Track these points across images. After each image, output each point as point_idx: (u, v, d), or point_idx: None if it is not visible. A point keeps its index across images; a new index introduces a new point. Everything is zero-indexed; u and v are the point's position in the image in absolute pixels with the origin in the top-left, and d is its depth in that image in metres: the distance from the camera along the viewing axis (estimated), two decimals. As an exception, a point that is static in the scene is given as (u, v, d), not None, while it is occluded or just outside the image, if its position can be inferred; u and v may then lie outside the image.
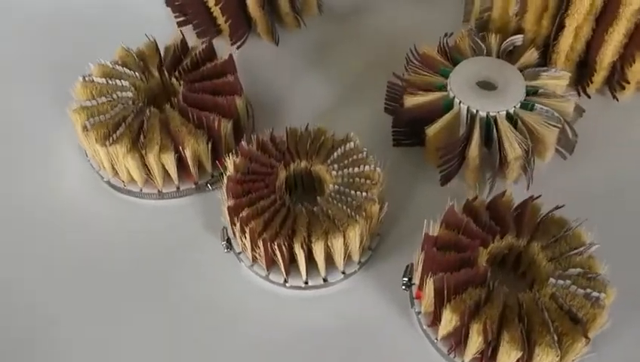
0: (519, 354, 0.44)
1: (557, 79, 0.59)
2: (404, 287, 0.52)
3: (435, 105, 0.58)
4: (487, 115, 0.56)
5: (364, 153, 0.54)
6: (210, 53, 0.62)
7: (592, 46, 0.62)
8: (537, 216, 0.51)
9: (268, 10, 0.68)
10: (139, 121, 0.57)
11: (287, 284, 0.53)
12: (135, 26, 0.65)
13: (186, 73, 0.60)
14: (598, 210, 0.54)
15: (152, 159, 0.55)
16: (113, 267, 0.55)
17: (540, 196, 0.52)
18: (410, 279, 0.52)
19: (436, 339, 0.49)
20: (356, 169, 0.53)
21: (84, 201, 0.59)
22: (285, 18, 0.71)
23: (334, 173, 0.53)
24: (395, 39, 0.70)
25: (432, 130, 0.57)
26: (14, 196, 0.60)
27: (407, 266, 0.52)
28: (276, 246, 0.49)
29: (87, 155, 0.60)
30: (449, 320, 0.46)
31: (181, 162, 0.57)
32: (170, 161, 0.55)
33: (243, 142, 0.55)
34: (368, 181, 0.52)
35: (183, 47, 0.62)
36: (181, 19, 0.70)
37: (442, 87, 0.59)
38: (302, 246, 0.49)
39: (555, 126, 0.56)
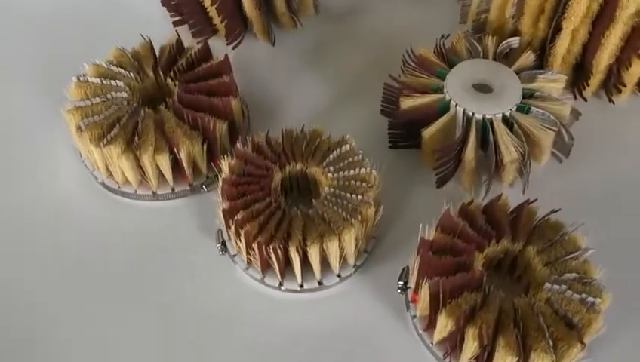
0: (515, 359, 0.44)
1: (553, 82, 0.59)
2: (399, 291, 0.52)
3: (431, 108, 0.58)
4: (483, 118, 0.56)
5: (360, 155, 0.54)
6: (205, 54, 0.61)
7: (589, 49, 0.62)
8: (533, 220, 0.51)
9: (264, 11, 0.68)
10: (133, 121, 0.56)
11: (282, 287, 0.52)
12: (132, 26, 0.64)
13: (182, 73, 0.60)
14: (594, 214, 0.54)
15: (146, 160, 0.54)
16: (107, 268, 0.55)
17: (535, 200, 0.52)
18: (405, 283, 0.52)
19: (431, 344, 0.49)
20: (352, 171, 0.53)
21: (78, 202, 0.59)
22: (281, 18, 0.71)
23: (330, 175, 0.53)
24: (392, 40, 0.69)
25: (428, 133, 0.57)
26: (7, 196, 0.60)
27: (403, 269, 0.52)
28: (271, 250, 0.49)
29: (81, 156, 0.60)
30: (444, 324, 0.46)
31: (176, 163, 0.56)
32: (164, 162, 0.55)
33: (238, 144, 0.55)
34: (364, 184, 0.52)
35: (179, 47, 0.62)
36: (177, 18, 0.70)
37: (438, 90, 0.59)
38: (297, 250, 0.49)
39: (551, 129, 0.56)
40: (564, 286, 0.46)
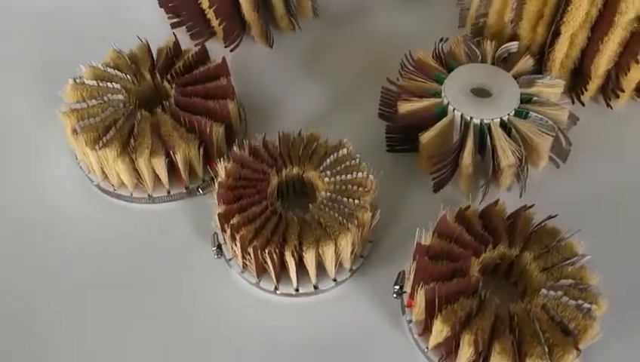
0: (510, 366, 0.44)
1: (552, 87, 0.59)
2: (395, 295, 0.51)
3: (429, 112, 0.58)
4: (481, 123, 0.56)
5: (357, 160, 0.54)
6: (203, 56, 0.61)
7: (587, 54, 0.62)
8: (530, 225, 0.50)
9: (262, 13, 0.68)
10: (129, 124, 0.56)
11: (277, 291, 0.52)
12: (129, 28, 0.64)
13: (179, 76, 0.60)
14: (591, 219, 0.54)
15: (142, 163, 0.54)
16: (102, 271, 0.55)
17: (532, 205, 0.51)
18: (401, 287, 0.51)
19: (427, 349, 0.49)
20: (349, 176, 0.53)
21: (73, 205, 0.59)
22: (280, 21, 0.70)
23: (327, 179, 0.53)
24: (391, 43, 0.69)
25: (425, 137, 0.57)
26: (1, 198, 0.60)
27: (399, 274, 0.52)
28: (267, 254, 0.49)
29: (77, 158, 0.60)
30: (440, 330, 0.45)
31: (172, 166, 0.56)
32: (160, 165, 0.55)
33: (235, 148, 0.54)
34: (361, 188, 0.52)
35: (176, 49, 0.62)
36: (175, 20, 0.70)
37: (436, 94, 0.59)
38: (293, 255, 0.49)
39: (548, 134, 0.56)
40: (560, 293, 0.46)
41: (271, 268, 0.50)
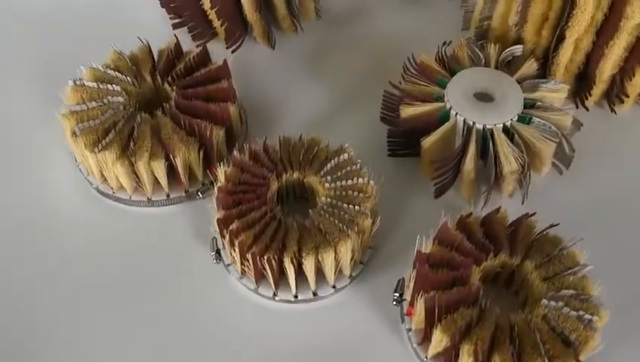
0: (510, 377, 0.43)
1: (555, 92, 0.58)
2: (394, 303, 0.51)
3: (432, 117, 0.57)
4: (483, 128, 0.56)
5: (358, 165, 0.53)
6: (204, 58, 0.61)
7: (592, 58, 0.61)
8: (532, 233, 0.50)
9: (264, 14, 0.67)
10: (129, 127, 0.56)
11: (276, 298, 0.52)
12: (130, 28, 0.64)
13: (179, 78, 0.59)
14: (594, 226, 0.54)
15: (141, 167, 0.54)
16: (100, 274, 0.55)
17: (534, 213, 0.51)
18: (401, 294, 0.51)
19: (426, 358, 0.48)
20: (349, 181, 0.52)
21: (72, 207, 0.58)
22: (282, 22, 0.70)
23: (327, 185, 0.52)
24: (393, 45, 0.69)
25: (427, 142, 0.56)
26: (0, 199, 0.59)
27: (399, 281, 0.51)
28: (265, 261, 0.48)
29: (76, 160, 0.59)
30: (439, 340, 0.45)
31: (171, 169, 0.56)
32: (160, 168, 0.54)
33: (235, 152, 0.54)
34: (361, 194, 0.52)
35: (177, 51, 0.61)
36: (176, 21, 0.69)
37: (439, 98, 0.58)
38: (292, 261, 0.48)
39: (552, 140, 0.55)
40: (561, 303, 0.46)
41: (270, 274, 0.50)
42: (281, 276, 0.51)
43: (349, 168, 0.53)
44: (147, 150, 0.54)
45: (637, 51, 0.59)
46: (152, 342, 0.51)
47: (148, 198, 0.57)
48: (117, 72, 0.59)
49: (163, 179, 0.56)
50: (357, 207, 0.51)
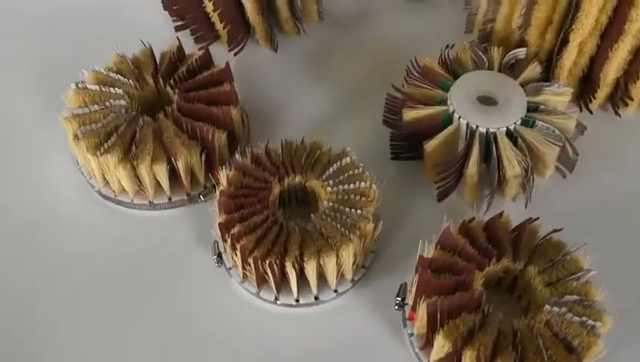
0: (512, 383, 0.43)
1: (559, 95, 0.58)
2: (396, 307, 0.51)
3: (435, 120, 0.57)
4: (486, 132, 0.55)
5: (361, 169, 0.53)
6: (206, 61, 0.61)
7: (596, 62, 0.61)
8: (535, 238, 0.50)
9: (267, 17, 0.67)
10: (131, 130, 0.56)
11: (278, 302, 0.52)
12: (133, 31, 0.64)
13: (182, 81, 0.59)
14: (598, 231, 0.54)
15: (143, 170, 0.54)
16: (102, 277, 0.55)
17: (538, 218, 0.50)
18: (403, 299, 0.51)
19: (428, 363, 0.48)
20: (352, 185, 0.52)
21: (74, 210, 0.58)
22: (284, 24, 0.70)
23: (329, 189, 0.52)
24: (396, 49, 0.69)
25: (430, 146, 0.56)
26: (2, 202, 0.59)
27: (401, 285, 0.51)
28: (267, 265, 0.48)
29: (78, 163, 0.59)
30: (442, 345, 0.45)
31: (173, 172, 0.56)
32: (161, 172, 0.54)
33: (237, 156, 0.54)
34: (363, 198, 0.51)
35: (180, 53, 0.61)
36: (179, 23, 0.69)
37: (442, 101, 0.58)
38: (293, 265, 0.48)
39: (555, 144, 0.55)
40: (564, 309, 0.45)
41: (271, 278, 0.50)
42: (282, 280, 0.51)
43: (351, 172, 0.53)
44: (149, 153, 0.54)
45: (641, 54, 0.59)
46: (152, 344, 0.51)
47: (150, 201, 0.57)
48: (119, 75, 0.59)
49: (165, 183, 0.56)
50: (359, 211, 0.50)
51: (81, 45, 0.69)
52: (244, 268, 0.51)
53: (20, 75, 0.68)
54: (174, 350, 0.51)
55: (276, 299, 0.52)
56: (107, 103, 0.56)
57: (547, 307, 0.46)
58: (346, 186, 0.52)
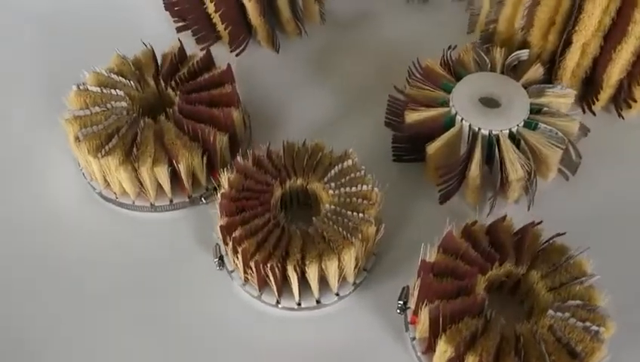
0: (515, 388, 0.43)
1: (562, 97, 0.58)
2: (398, 311, 0.50)
3: (437, 122, 0.57)
4: (489, 134, 0.55)
5: (362, 171, 0.53)
6: (208, 62, 0.60)
7: (600, 63, 0.60)
8: (538, 242, 0.49)
9: (269, 18, 0.67)
10: (133, 132, 0.55)
11: (279, 305, 0.52)
12: (134, 31, 0.64)
13: (183, 83, 0.59)
14: (601, 234, 0.53)
15: (144, 172, 0.54)
16: (103, 279, 0.54)
17: (540, 222, 0.50)
18: (405, 303, 0.51)
19: (430, 367, 0.48)
20: (353, 188, 0.52)
21: (75, 212, 0.58)
22: (286, 25, 0.69)
23: (331, 191, 0.52)
24: (398, 48, 0.68)
25: (432, 148, 0.56)
26: (2, 205, 0.59)
27: (403, 289, 0.51)
28: (269, 269, 0.48)
29: (79, 165, 0.59)
30: (444, 350, 0.45)
31: (175, 174, 0.55)
32: (163, 174, 0.54)
33: (239, 158, 0.54)
34: (365, 201, 0.51)
35: (181, 55, 0.61)
36: (180, 24, 0.69)
37: (444, 103, 0.57)
38: (295, 269, 0.48)
39: (558, 146, 0.55)
40: (567, 314, 0.45)
41: (273, 282, 0.49)
42: (284, 283, 0.51)
43: (353, 175, 0.53)
44: (150, 155, 0.54)
45: (645, 56, 0.58)
46: (153, 346, 0.51)
47: (151, 204, 0.57)
48: (120, 77, 0.58)
49: (166, 185, 0.55)
50: (361, 215, 0.50)
51: (82, 46, 0.69)
52: (245, 271, 0.50)
53: (21, 77, 0.68)
54: (175, 353, 0.51)
55: (278, 302, 0.52)
56: (108, 105, 0.56)
57: (550, 311, 0.45)
58: (347, 189, 0.52)
